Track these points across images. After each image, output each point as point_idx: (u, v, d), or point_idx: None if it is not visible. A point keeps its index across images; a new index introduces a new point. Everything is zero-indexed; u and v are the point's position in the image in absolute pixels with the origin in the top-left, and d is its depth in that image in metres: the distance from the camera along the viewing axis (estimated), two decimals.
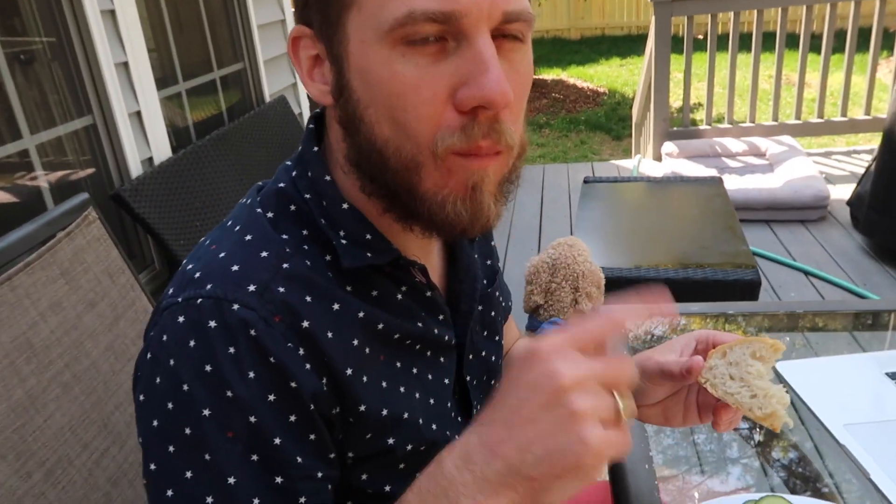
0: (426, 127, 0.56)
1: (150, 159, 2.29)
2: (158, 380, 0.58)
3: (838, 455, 0.85)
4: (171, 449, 0.57)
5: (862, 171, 3.36)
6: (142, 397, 0.60)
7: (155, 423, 0.58)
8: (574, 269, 2.10)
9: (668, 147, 4.25)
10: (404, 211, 0.61)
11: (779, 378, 0.99)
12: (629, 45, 9.59)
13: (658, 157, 4.38)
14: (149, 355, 0.60)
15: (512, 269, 3.27)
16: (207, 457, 0.56)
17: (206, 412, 0.56)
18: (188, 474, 0.56)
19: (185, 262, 0.64)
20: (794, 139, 4.19)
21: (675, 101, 4.88)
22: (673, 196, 2.96)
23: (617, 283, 2.20)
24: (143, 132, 2.27)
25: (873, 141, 4.01)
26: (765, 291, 2.87)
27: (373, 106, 0.58)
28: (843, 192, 3.63)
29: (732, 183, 3.57)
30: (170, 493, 0.57)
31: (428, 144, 0.57)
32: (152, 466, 0.58)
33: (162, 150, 2.34)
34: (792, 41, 4.38)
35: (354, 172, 0.63)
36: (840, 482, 0.82)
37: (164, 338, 0.58)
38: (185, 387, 0.56)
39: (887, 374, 0.96)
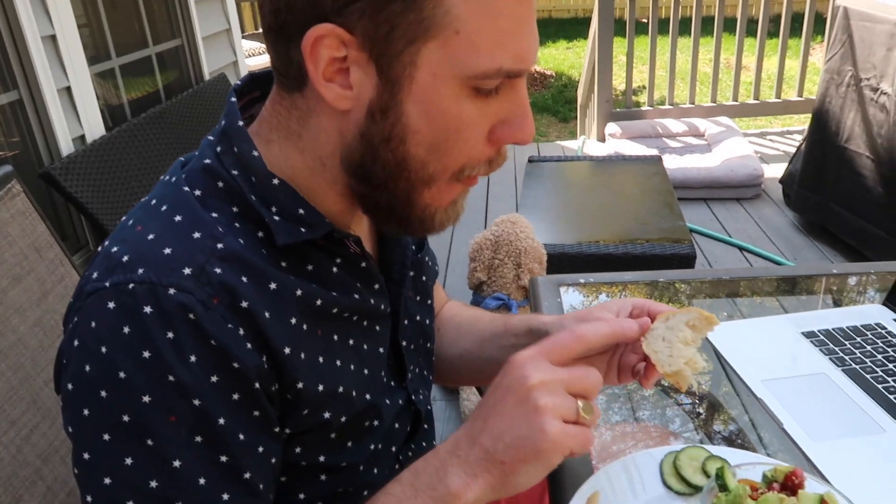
0: (464, 157, 0.62)
1: (83, 137, 2.21)
2: (88, 367, 0.57)
3: (758, 409, 0.89)
4: (107, 437, 0.56)
5: (794, 150, 3.50)
6: (70, 386, 0.58)
7: (86, 411, 0.57)
8: (516, 245, 2.14)
9: (612, 128, 4.33)
10: (389, 215, 0.66)
11: (706, 340, 1.03)
12: (576, 27, 9.68)
13: (602, 138, 4.46)
14: (75, 342, 0.58)
15: (457, 248, 3.30)
16: (150, 442, 0.56)
17: (147, 398, 0.55)
18: (128, 461, 0.56)
19: (107, 243, 0.62)
20: (731, 120, 4.33)
21: (619, 83, 4.97)
22: (615, 175, 3.02)
23: (559, 260, 2.24)
24: (74, 109, 2.19)
25: (805, 122, 4.18)
26: (701, 266, 2.97)
27: (423, 133, 0.60)
28: (776, 171, 3.77)
29: (672, 162, 3.67)
30: (107, 480, 0.56)
31: (454, 169, 0.62)
32: (85, 456, 0.57)
33: (95, 127, 2.27)
34: (730, 25, 4.50)
35: (343, 172, 0.63)
36: (756, 434, 0.87)
37: (93, 324, 0.57)
38: (122, 374, 0.55)
39: (802, 333, 1.02)
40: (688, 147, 4.15)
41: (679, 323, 0.71)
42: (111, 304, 0.56)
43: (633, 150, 3.97)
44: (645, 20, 4.48)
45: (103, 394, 0.56)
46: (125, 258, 0.58)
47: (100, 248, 0.63)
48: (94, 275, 0.60)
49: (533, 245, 2.14)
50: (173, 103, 2.65)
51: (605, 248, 2.24)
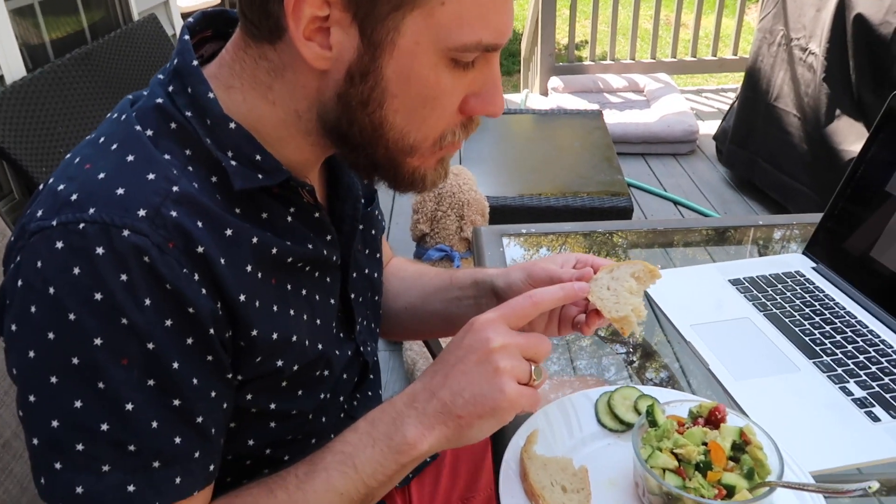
0: (440, 125, 0.64)
1: (1, 78, 2.08)
2: (34, 308, 0.55)
3: (687, 352, 0.95)
4: (54, 380, 0.55)
5: (727, 107, 3.60)
6: (13, 327, 0.57)
7: (31, 353, 0.55)
8: (459, 197, 2.15)
9: (555, 82, 4.34)
10: (375, 171, 0.67)
11: None
12: None
13: (545, 92, 4.47)
14: (19, 282, 0.56)
15: (400, 199, 3.28)
16: (101, 385, 0.55)
17: (98, 341, 0.54)
18: (77, 404, 0.55)
19: (51, 181, 0.60)
20: (669, 77, 4.41)
21: (562, 37, 4.97)
22: (557, 129, 3.06)
23: (501, 212, 2.27)
24: None
25: (739, 80, 4.29)
26: (637, 218, 3.05)
27: (400, 98, 0.60)
28: (711, 128, 3.88)
29: (612, 117, 3.73)
30: (55, 423, 0.55)
31: (433, 138, 0.64)
32: (31, 398, 0.56)
33: (14, 68, 2.13)
34: None
35: (319, 129, 0.64)
36: (684, 375, 0.92)
37: (39, 264, 0.55)
38: (72, 316, 0.54)
39: (729, 280, 1.07)
40: (627, 102, 4.22)
41: (624, 273, 0.75)
42: (59, 244, 0.55)
43: (574, 105, 4.00)
44: None
45: (51, 335, 0.55)
46: (74, 196, 0.56)
47: (41, 186, 0.61)
48: (39, 213, 0.57)
49: (476, 197, 2.16)
50: (100, 44, 2.50)
51: (546, 201, 2.28)
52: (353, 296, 0.79)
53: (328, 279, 0.74)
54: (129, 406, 0.56)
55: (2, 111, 1.92)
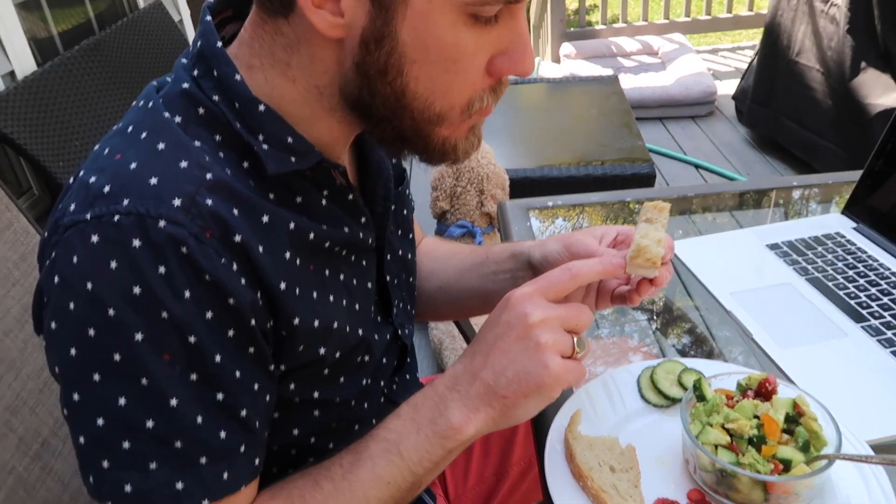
0: (467, 90, 0.59)
1: (12, 73, 2.07)
2: (73, 305, 0.54)
3: (726, 321, 0.92)
4: (97, 377, 0.54)
5: (746, 66, 3.51)
6: (53, 325, 0.55)
7: (73, 351, 0.54)
8: (478, 172, 2.12)
9: (566, 48, 4.26)
10: (403, 145, 0.64)
11: (676, 258, 1.05)
12: None
13: (557, 59, 4.39)
14: (56, 279, 0.55)
15: (417, 176, 3.25)
16: (144, 381, 0.54)
17: (139, 336, 0.53)
18: (122, 401, 0.54)
19: (81, 174, 0.58)
20: (684, 37, 4.31)
21: (572, 2, 4.86)
22: (572, 96, 3.00)
23: (521, 184, 2.24)
24: (0, 43, 2.04)
25: (756, 37, 4.18)
26: (659, 184, 3.00)
27: (419, 63, 0.57)
28: (728, 88, 3.79)
29: (627, 82, 3.65)
30: (101, 421, 0.54)
31: (461, 105, 0.60)
32: (75, 397, 0.55)
33: (25, 63, 2.12)
34: None
35: (343, 103, 0.61)
36: (726, 345, 0.89)
37: (75, 259, 0.53)
38: (111, 311, 0.53)
39: (767, 245, 1.04)
40: (642, 66, 4.13)
41: (639, 224, 0.71)
42: (95, 238, 0.53)
43: (588, 71, 3.93)
44: None
45: (91, 332, 0.53)
46: (107, 188, 0.55)
47: (72, 179, 0.59)
48: (72, 207, 0.56)
49: (495, 171, 2.12)
50: (108, 34, 2.48)
51: (567, 171, 2.25)
52: (388, 278, 0.77)
53: (364, 262, 0.72)
54: (174, 402, 0.54)
55: (15, 108, 1.91)
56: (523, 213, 1.20)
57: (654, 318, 0.98)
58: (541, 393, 0.60)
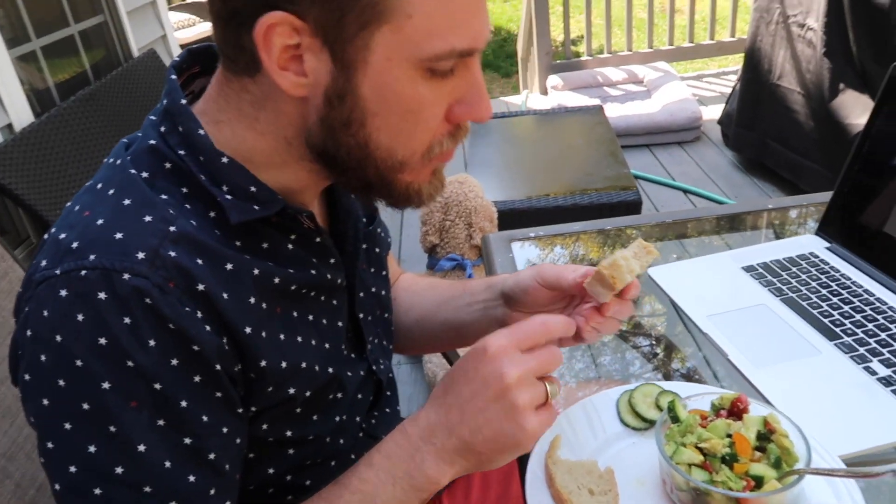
0: (427, 138, 0.63)
1: (10, 126, 2.12)
2: (44, 357, 0.56)
3: (703, 343, 0.94)
4: (68, 426, 0.56)
5: (730, 91, 3.58)
6: (27, 377, 0.58)
7: (45, 401, 0.57)
8: (466, 205, 2.15)
9: (553, 80, 4.34)
10: (370, 192, 0.67)
11: (653, 282, 1.08)
12: None
13: (544, 91, 4.47)
14: (28, 332, 0.57)
15: (408, 212, 3.29)
16: (112, 429, 0.56)
17: (106, 385, 0.55)
18: (91, 449, 0.56)
19: (53, 230, 0.61)
20: (668, 65, 4.39)
21: (557, 34, 4.97)
22: (559, 127, 3.05)
23: (510, 216, 2.27)
24: None
25: (739, 62, 4.26)
26: (648, 210, 3.04)
27: (381, 116, 0.60)
28: (714, 113, 3.85)
29: (614, 111, 3.72)
30: (73, 469, 0.56)
31: (422, 151, 0.64)
32: (49, 445, 0.57)
33: (22, 114, 2.17)
34: None
35: (310, 153, 0.63)
36: (711, 366, 0.91)
37: (45, 313, 0.56)
38: (79, 362, 0.55)
39: (742, 267, 1.07)
40: (628, 94, 4.20)
41: (621, 254, 0.71)
42: (63, 292, 0.56)
43: (575, 102, 4.00)
44: None
45: (61, 383, 0.56)
46: (75, 244, 0.58)
47: (46, 236, 0.62)
48: (43, 263, 0.59)
49: (483, 204, 2.16)
50: (103, 84, 2.55)
51: (555, 201, 2.28)
52: (361, 315, 0.79)
53: (335, 302, 0.74)
54: (142, 447, 0.57)
55: (13, 159, 1.96)
56: (506, 245, 1.23)
57: (654, 343, 1.00)
58: (517, 449, 0.63)
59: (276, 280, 0.66)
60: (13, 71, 2.16)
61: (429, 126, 0.62)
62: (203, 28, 4.17)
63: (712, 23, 4.51)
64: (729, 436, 0.69)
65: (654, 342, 1.00)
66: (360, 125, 0.60)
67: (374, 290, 0.83)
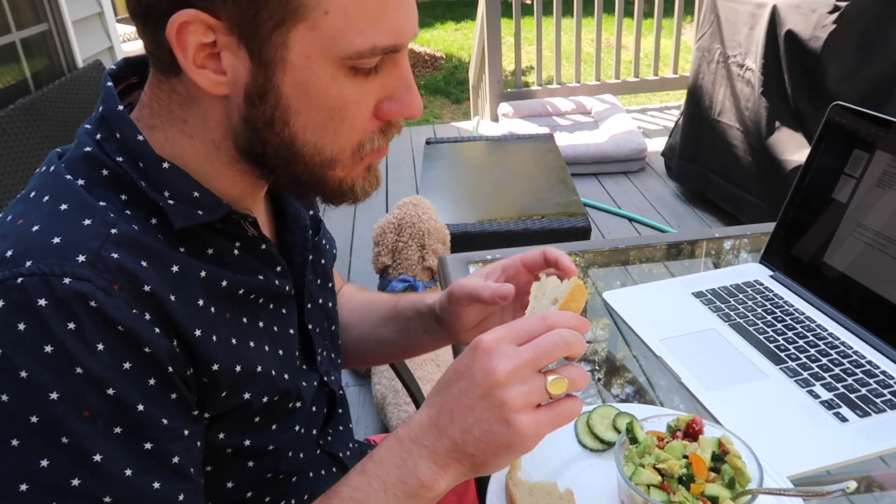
0: (355, 135, 0.62)
1: None
2: None
3: (656, 366, 0.96)
4: (16, 442, 0.53)
5: (672, 125, 3.72)
6: None
7: None
8: (419, 227, 2.16)
9: (504, 108, 4.43)
10: (302, 188, 0.65)
11: (605, 306, 1.10)
12: (462, 9, 9.77)
13: (495, 118, 4.55)
14: None
15: (360, 232, 3.28)
16: (65, 440, 0.53)
17: (55, 395, 0.52)
18: (43, 463, 0.53)
19: None
20: (615, 97, 4.54)
21: (508, 63, 5.08)
22: (510, 153, 3.10)
23: (462, 239, 2.28)
24: None
25: (681, 97, 4.44)
26: (595, 237, 3.11)
27: (304, 113, 0.59)
28: (658, 145, 4.00)
29: (563, 140, 3.81)
30: (24, 487, 0.53)
31: (351, 148, 0.62)
32: None
33: None
34: (609, 6, 4.70)
35: (238, 155, 0.62)
36: (660, 390, 0.93)
37: None
38: (23, 373, 0.52)
39: (692, 293, 1.10)
40: (577, 124, 4.32)
41: (552, 289, 0.71)
42: (0, 303, 0.53)
43: (525, 129, 4.08)
44: (529, 1, 4.59)
45: (4, 398, 0.53)
46: (9, 253, 0.55)
47: None
48: None
49: (436, 226, 2.17)
50: (44, 93, 2.46)
51: (506, 225, 2.31)
52: (310, 326, 0.78)
53: (284, 310, 0.73)
54: (98, 457, 0.54)
55: None
56: (463, 267, 1.24)
57: (597, 367, 1.02)
58: (511, 451, 0.59)
59: (224, 283, 0.64)
60: None
61: (355, 124, 0.61)
62: None
63: (656, 59, 4.70)
64: (685, 457, 0.70)
65: (597, 365, 1.01)
66: (283, 124, 0.59)
67: (321, 301, 0.82)
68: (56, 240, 0.55)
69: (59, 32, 2.82)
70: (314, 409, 0.78)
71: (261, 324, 0.69)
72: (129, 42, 4.02)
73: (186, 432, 0.59)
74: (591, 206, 3.46)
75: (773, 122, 2.85)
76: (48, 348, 0.52)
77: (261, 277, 0.68)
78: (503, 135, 3.68)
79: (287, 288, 0.73)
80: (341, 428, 0.87)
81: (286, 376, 0.70)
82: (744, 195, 3.08)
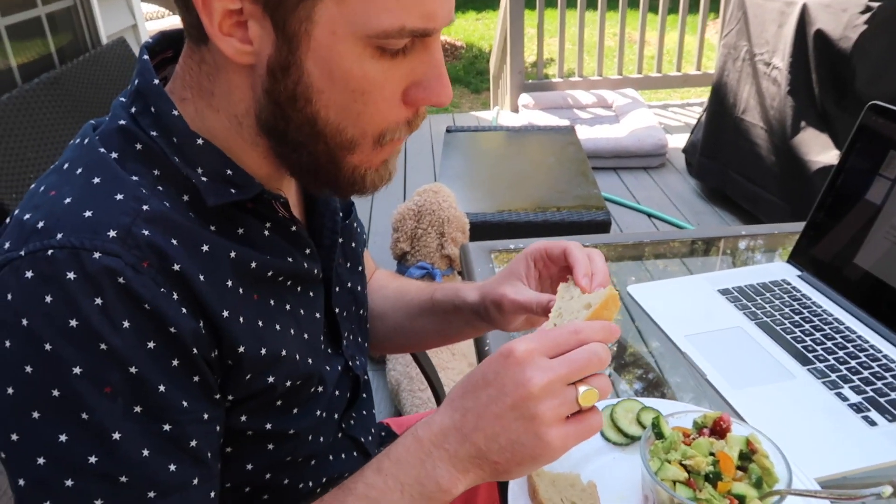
0: (379, 120, 0.60)
1: None
2: (8, 343, 0.53)
3: (679, 364, 0.95)
4: (36, 415, 0.53)
5: (694, 121, 3.68)
6: None
7: (10, 390, 0.53)
8: (439, 214, 2.15)
9: (525, 99, 4.40)
10: (316, 175, 0.63)
11: (631, 298, 1.09)
12: None
13: (515, 109, 4.52)
14: None
15: (378, 219, 3.28)
16: (85, 416, 0.53)
17: (77, 370, 0.52)
18: (62, 438, 0.53)
19: (17, 212, 0.58)
20: (636, 92, 4.50)
21: (530, 55, 5.04)
22: (530, 144, 3.08)
23: (481, 228, 2.28)
24: None
25: (703, 94, 4.39)
26: (613, 231, 3.09)
27: (327, 92, 0.57)
28: (678, 141, 3.95)
29: (583, 133, 3.78)
30: (41, 461, 0.53)
31: (374, 134, 0.61)
32: (13, 437, 0.54)
33: None
34: (634, 1, 4.65)
35: (260, 132, 0.61)
36: (678, 388, 0.92)
37: (9, 297, 0.53)
38: (48, 346, 0.52)
39: (718, 290, 1.09)
40: (597, 118, 4.28)
41: (578, 304, 0.69)
42: (29, 274, 0.53)
43: (546, 121, 4.05)
44: None
45: (28, 369, 0.52)
46: (41, 224, 0.55)
47: (8, 220, 0.59)
48: (6, 245, 0.55)
49: (456, 214, 2.16)
50: (68, 68, 2.46)
51: (526, 216, 2.30)
52: (337, 310, 0.78)
53: (311, 293, 0.73)
54: (117, 435, 0.54)
55: None
56: (486, 256, 1.23)
57: (617, 364, 1.01)
58: (536, 462, 0.58)
59: (253, 265, 0.63)
60: None
61: (379, 108, 0.59)
62: (173, 21, 4.10)
63: (679, 55, 4.64)
64: (712, 454, 0.69)
65: (620, 362, 1.00)
66: (306, 100, 0.58)
67: (349, 285, 0.82)
68: (88, 213, 0.55)
69: (83, 8, 2.83)
70: (337, 393, 0.78)
71: (287, 306, 0.69)
72: (152, 20, 4.03)
73: (206, 416, 0.59)
74: (610, 201, 3.44)
75: (799, 121, 2.81)
76: (73, 322, 0.52)
77: (290, 260, 0.68)
78: (523, 125, 3.66)
79: (315, 271, 0.72)
80: (364, 412, 0.87)
81: (309, 360, 0.70)
82: (765, 194, 3.05)
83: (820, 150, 2.73)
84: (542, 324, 0.70)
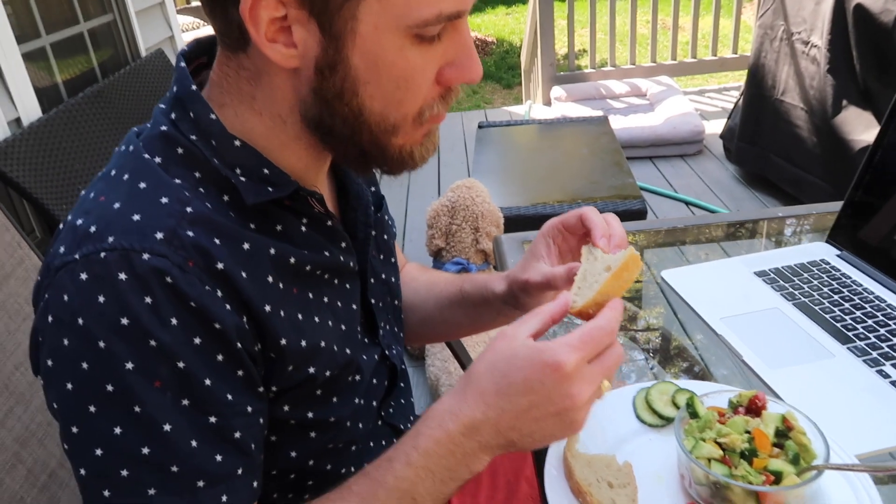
0: (418, 101, 0.63)
1: (18, 120, 2.12)
2: (66, 341, 0.56)
3: (717, 344, 0.95)
4: (93, 409, 0.56)
5: (731, 106, 3.60)
6: (49, 362, 0.58)
7: (69, 385, 0.57)
8: (473, 210, 2.16)
9: (557, 91, 4.37)
10: (364, 159, 0.67)
11: (666, 283, 1.08)
12: None
13: (547, 102, 4.50)
14: (49, 318, 0.57)
15: (413, 216, 3.30)
16: (137, 409, 0.56)
17: (129, 365, 0.55)
18: (117, 430, 0.56)
19: (69, 218, 0.62)
20: (671, 79, 4.43)
21: (561, 47, 5.00)
22: (563, 137, 3.07)
23: (516, 221, 2.28)
24: (7, 91, 2.09)
25: (741, 78, 4.30)
26: (650, 220, 3.06)
27: (373, 84, 0.60)
28: (716, 127, 3.89)
29: (617, 123, 3.74)
30: (99, 452, 0.56)
31: (413, 115, 0.64)
32: (74, 430, 0.57)
33: (30, 109, 2.17)
34: None
35: (305, 128, 0.64)
36: (717, 369, 0.92)
37: (66, 298, 0.56)
38: (102, 343, 0.55)
39: (755, 272, 1.08)
40: (631, 107, 4.23)
41: (601, 266, 0.69)
42: (83, 276, 0.56)
43: (578, 113, 4.02)
44: None
45: (84, 366, 0.56)
46: (93, 228, 0.58)
47: (61, 225, 0.62)
48: (61, 249, 0.59)
49: (490, 209, 2.17)
50: (110, 81, 2.55)
51: (560, 208, 2.29)
52: (373, 301, 0.80)
53: (348, 286, 0.75)
54: (167, 427, 0.57)
55: (21, 152, 1.96)
56: (519, 247, 1.24)
57: (652, 349, 1.01)
58: (557, 441, 0.65)
59: (292, 260, 0.66)
60: (23, 67, 2.16)
61: (419, 91, 0.63)
62: (207, 31, 4.19)
63: (714, 39, 4.55)
64: (748, 432, 0.69)
65: (654, 346, 1.00)
66: (352, 94, 0.61)
67: (384, 276, 0.84)
68: (136, 217, 0.58)
69: (123, 22, 2.92)
70: (374, 381, 0.80)
71: (325, 299, 0.71)
72: (188, 31, 4.13)
73: (249, 409, 0.62)
74: (647, 190, 3.40)
75: (840, 100, 2.73)
76: (125, 321, 0.55)
77: (327, 254, 0.70)
78: (556, 118, 3.64)
79: (351, 264, 0.75)
80: (403, 401, 0.89)
81: (347, 351, 0.72)
82: (807, 177, 2.98)
83: (863, 129, 2.65)
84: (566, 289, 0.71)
